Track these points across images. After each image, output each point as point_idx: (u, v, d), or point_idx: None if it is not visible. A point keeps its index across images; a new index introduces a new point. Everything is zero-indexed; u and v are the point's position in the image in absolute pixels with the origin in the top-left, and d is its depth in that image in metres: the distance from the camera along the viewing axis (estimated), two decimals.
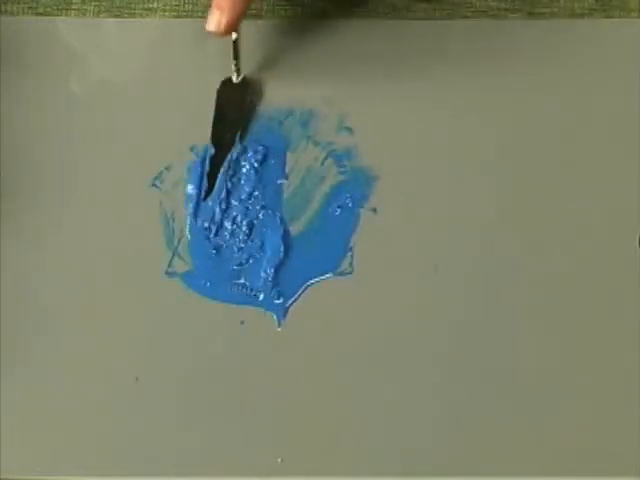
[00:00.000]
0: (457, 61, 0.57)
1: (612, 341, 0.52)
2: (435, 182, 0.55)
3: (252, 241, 0.55)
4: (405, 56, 0.58)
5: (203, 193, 0.55)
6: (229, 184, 0.56)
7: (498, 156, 0.56)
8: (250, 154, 0.56)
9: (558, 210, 0.55)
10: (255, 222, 0.55)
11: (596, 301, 0.53)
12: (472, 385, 0.52)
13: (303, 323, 0.53)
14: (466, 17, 0.59)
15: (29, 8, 0.60)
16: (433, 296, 0.53)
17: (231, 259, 0.55)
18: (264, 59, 0.58)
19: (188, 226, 0.55)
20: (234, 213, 0.55)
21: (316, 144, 0.57)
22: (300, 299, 0.54)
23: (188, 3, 0.60)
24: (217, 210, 0.55)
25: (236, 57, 0.56)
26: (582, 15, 0.59)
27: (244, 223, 0.55)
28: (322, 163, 0.56)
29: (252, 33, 0.59)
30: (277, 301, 0.54)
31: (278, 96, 0.57)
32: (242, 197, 0.56)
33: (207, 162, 0.56)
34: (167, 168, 0.56)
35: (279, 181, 0.56)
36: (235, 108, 0.57)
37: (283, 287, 0.54)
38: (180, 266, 0.54)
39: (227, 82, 0.57)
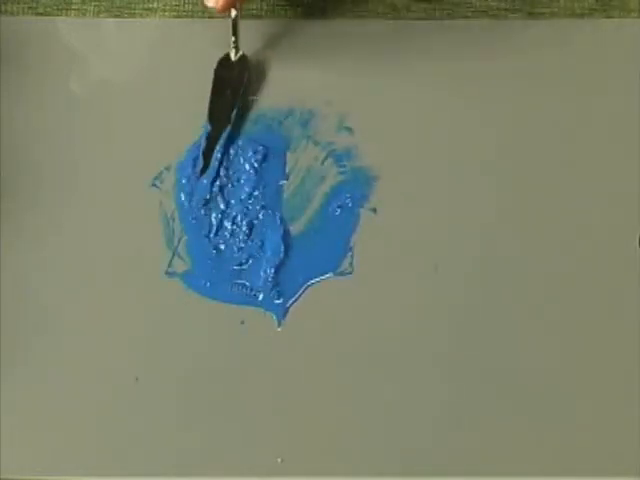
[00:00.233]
0: (457, 61, 0.57)
1: (612, 341, 0.52)
2: (435, 182, 0.55)
3: (252, 241, 0.55)
4: (405, 56, 0.58)
5: (198, 170, 0.56)
6: (225, 180, 0.56)
7: (498, 156, 0.56)
8: (250, 154, 0.56)
9: (558, 210, 0.55)
10: (255, 222, 0.55)
11: (596, 301, 0.53)
12: (472, 385, 0.52)
13: (303, 323, 0.53)
14: (466, 17, 0.59)
15: (29, 8, 0.60)
16: (433, 296, 0.53)
17: (231, 259, 0.55)
18: (264, 59, 0.58)
19: (184, 223, 0.55)
20: (234, 213, 0.55)
21: (316, 144, 0.57)
22: (300, 299, 0.54)
23: (188, 3, 0.60)
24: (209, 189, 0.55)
25: (235, 34, 0.57)
26: (582, 15, 0.59)
27: (244, 223, 0.55)
28: (322, 163, 0.56)
29: (252, 33, 0.59)
30: (277, 301, 0.54)
31: (278, 96, 0.57)
32: (242, 197, 0.56)
33: (202, 140, 0.56)
34: (167, 168, 0.56)
35: (280, 182, 0.56)
36: (232, 85, 0.57)
37: (283, 287, 0.54)
38: (180, 266, 0.54)
39: (225, 59, 0.57)
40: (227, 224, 0.55)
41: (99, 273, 0.54)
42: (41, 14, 0.60)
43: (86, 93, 0.58)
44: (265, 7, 0.60)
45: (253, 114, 0.57)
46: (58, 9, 0.60)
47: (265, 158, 0.56)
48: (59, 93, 0.58)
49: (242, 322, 0.53)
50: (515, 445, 0.51)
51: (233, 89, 0.57)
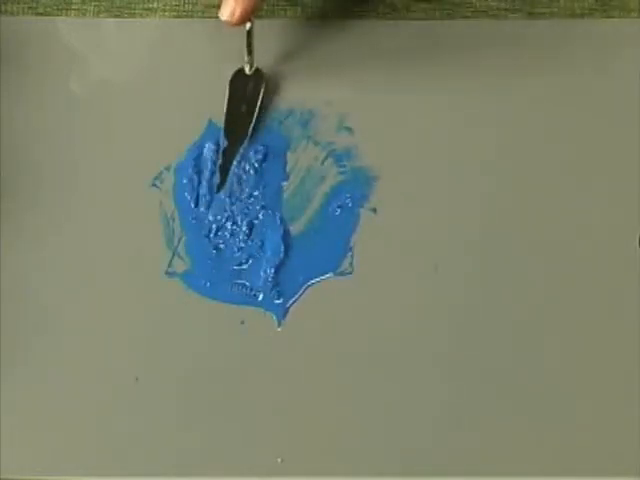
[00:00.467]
0: (457, 61, 0.57)
1: (612, 341, 0.52)
2: (435, 182, 0.55)
3: (252, 241, 0.55)
4: (405, 56, 0.58)
5: (215, 186, 0.56)
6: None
7: (498, 156, 0.56)
8: (250, 154, 0.56)
9: (558, 210, 0.55)
10: (255, 222, 0.55)
11: (596, 301, 0.53)
12: (472, 385, 0.52)
13: (303, 323, 0.53)
14: (466, 17, 0.59)
15: (29, 8, 0.60)
16: (433, 296, 0.53)
17: (231, 259, 0.55)
18: (264, 59, 0.58)
19: (185, 225, 0.55)
20: (234, 213, 0.55)
21: (316, 144, 0.57)
22: (300, 299, 0.54)
23: (188, 3, 0.60)
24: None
25: (249, 47, 0.56)
26: (582, 15, 0.59)
27: (244, 223, 0.55)
28: (322, 163, 0.56)
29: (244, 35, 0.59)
30: (277, 301, 0.54)
31: (278, 96, 0.57)
32: (242, 197, 0.56)
33: (220, 154, 0.56)
34: (167, 168, 0.56)
35: (280, 182, 0.56)
36: (248, 100, 0.57)
37: (283, 287, 0.54)
38: (180, 266, 0.54)
39: (239, 73, 0.57)
40: (227, 224, 0.55)
41: (99, 273, 0.54)
42: (41, 14, 0.60)
43: (86, 93, 0.58)
44: (265, 7, 0.60)
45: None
46: (58, 9, 0.60)
47: (265, 158, 0.56)
48: (59, 93, 0.58)
49: (242, 322, 0.53)
50: (515, 445, 0.51)
51: (249, 104, 0.57)
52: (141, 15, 0.60)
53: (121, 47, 0.59)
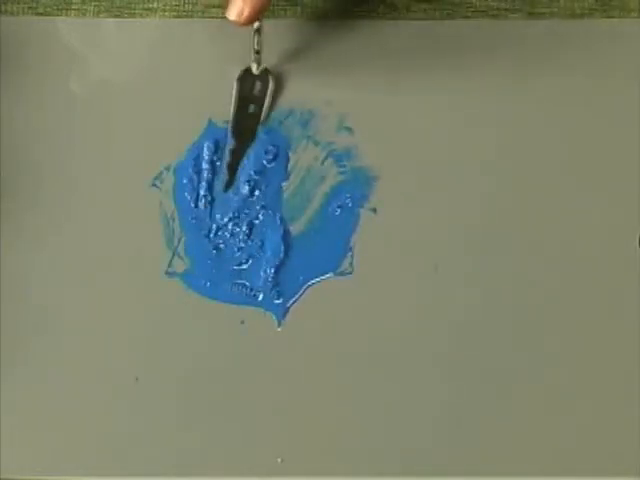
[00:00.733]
0: (457, 61, 0.57)
1: (612, 341, 0.52)
2: (435, 182, 0.55)
3: (252, 241, 0.55)
4: (405, 56, 0.58)
5: (223, 185, 0.56)
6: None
7: (498, 156, 0.56)
8: (264, 152, 0.56)
9: (558, 210, 0.55)
10: (255, 222, 0.55)
11: (596, 301, 0.53)
12: (472, 385, 0.52)
13: (303, 323, 0.53)
14: (466, 17, 0.59)
15: (29, 8, 0.60)
16: (433, 296, 0.53)
17: (231, 259, 0.55)
18: (264, 59, 0.58)
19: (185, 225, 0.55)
20: (234, 213, 0.55)
21: (316, 144, 0.57)
22: (300, 299, 0.54)
23: (188, 3, 0.60)
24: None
25: (258, 47, 0.56)
26: (582, 15, 0.59)
27: (244, 223, 0.55)
28: (322, 163, 0.56)
29: (252, 33, 0.59)
30: (277, 301, 0.54)
31: (278, 96, 0.57)
32: (243, 197, 0.56)
33: (227, 153, 0.56)
34: (167, 168, 0.56)
35: (281, 182, 0.56)
36: (255, 100, 0.57)
37: (283, 287, 0.54)
38: (180, 266, 0.54)
39: (247, 72, 0.57)
40: (227, 224, 0.55)
41: (99, 273, 0.54)
42: (41, 14, 0.60)
43: (86, 93, 0.58)
44: None
45: None
46: (58, 9, 0.60)
47: (275, 158, 0.56)
48: (59, 93, 0.58)
49: (242, 322, 0.53)
50: (515, 445, 0.51)
51: (256, 104, 0.57)
52: (141, 15, 0.60)
53: (121, 47, 0.59)
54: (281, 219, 0.55)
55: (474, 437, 0.51)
